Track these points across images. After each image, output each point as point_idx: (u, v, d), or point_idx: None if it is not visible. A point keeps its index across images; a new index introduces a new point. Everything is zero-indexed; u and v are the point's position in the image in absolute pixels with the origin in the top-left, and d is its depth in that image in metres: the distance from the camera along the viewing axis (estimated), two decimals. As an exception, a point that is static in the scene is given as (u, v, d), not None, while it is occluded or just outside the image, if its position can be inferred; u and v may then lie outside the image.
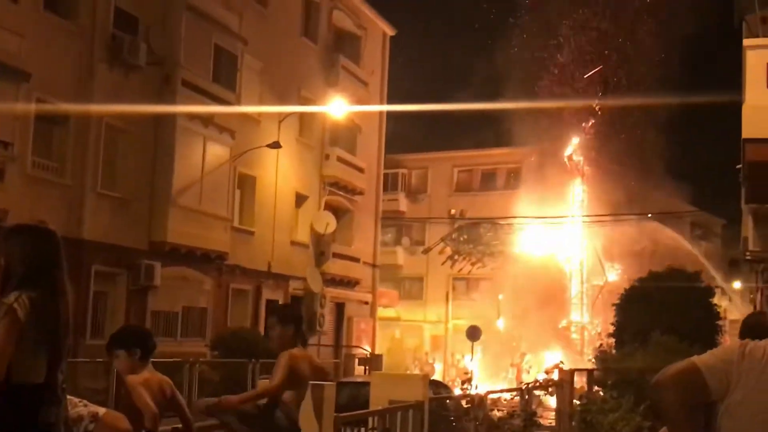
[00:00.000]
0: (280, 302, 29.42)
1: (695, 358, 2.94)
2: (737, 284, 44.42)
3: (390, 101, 38.24)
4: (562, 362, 17.12)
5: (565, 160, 41.27)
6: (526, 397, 14.47)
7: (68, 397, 4.22)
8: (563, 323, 40.45)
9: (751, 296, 36.40)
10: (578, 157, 41.43)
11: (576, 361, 29.85)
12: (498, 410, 14.40)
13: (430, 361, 41.26)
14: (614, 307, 21.06)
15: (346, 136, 34.13)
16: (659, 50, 38.80)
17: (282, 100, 28.64)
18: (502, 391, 17.41)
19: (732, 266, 43.55)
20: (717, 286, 20.02)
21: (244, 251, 27.01)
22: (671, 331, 16.71)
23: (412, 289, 47.64)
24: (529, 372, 34.15)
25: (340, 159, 32.95)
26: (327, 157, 32.49)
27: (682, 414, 2.87)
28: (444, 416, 13.30)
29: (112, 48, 21.73)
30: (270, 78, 28.70)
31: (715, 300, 20.52)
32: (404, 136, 43.51)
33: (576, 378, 15.73)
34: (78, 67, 21.00)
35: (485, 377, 33.76)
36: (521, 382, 23.36)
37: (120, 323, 21.14)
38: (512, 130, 40.18)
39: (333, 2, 33.53)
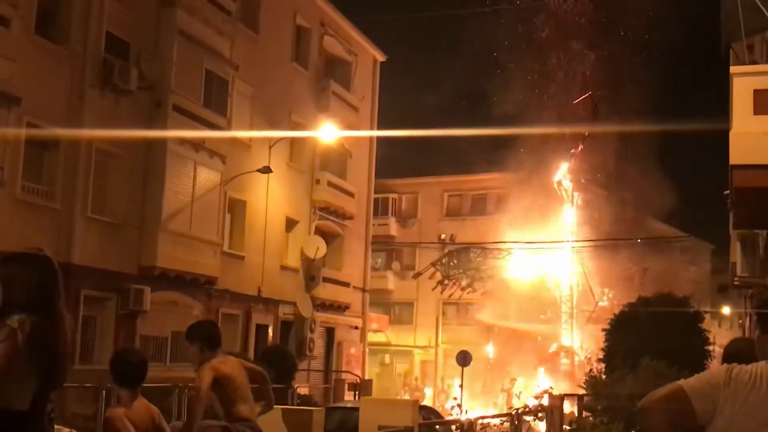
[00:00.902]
0: (270, 327, 29.40)
1: (682, 382, 2.97)
2: (726, 309, 44.56)
3: (380, 126, 38.41)
4: (551, 387, 17.15)
5: (555, 185, 41.43)
6: (516, 422, 14.46)
7: (58, 427, 4.21)
8: (553, 348, 40.44)
9: (740, 321, 36.51)
10: (567, 183, 41.61)
11: (566, 386, 29.82)
12: (488, 436, 14.38)
13: (420, 386, 41.13)
14: (604, 332, 21.08)
15: (336, 160, 34.20)
16: (649, 77, 39.13)
17: (273, 125, 28.73)
18: (492, 416, 17.39)
19: (721, 292, 43.70)
20: (706, 312, 20.05)
21: (234, 276, 26.97)
22: (661, 356, 16.73)
23: (402, 313, 47.57)
24: (519, 397, 34.08)
25: (330, 184, 33.00)
26: (317, 181, 32.53)
27: (668, 437, 2.89)
28: (434, 442, 13.28)
29: (103, 73, 21.75)
30: (261, 103, 28.79)
31: (704, 325, 20.58)
32: (395, 161, 43.74)
33: (566, 403, 15.73)
34: (69, 91, 21.01)
35: (475, 403, 33.68)
36: (511, 408, 23.32)
37: (109, 348, 21.08)
38: (502, 156, 40.42)
39: (324, 28, 33.71)
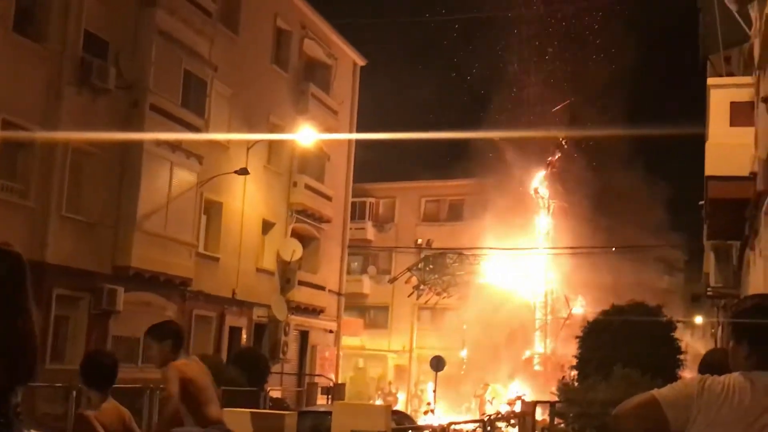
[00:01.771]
0: (244, 330, 29.28)
1: (655, 391, 2.98)
2: (699, 319, 44.88)
3: (359, 130, 38.38)
4: (524, 394, 17.20)
5: (531, 192, 41.60)
6: (488, 428, 14.49)
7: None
8: (527, 354, 40.57)
9: (712, 331, 36.79)
10: (544, 190, 41.79)
11: (539, 392, 29.90)
12: (460, 441, 14.40)
13: (394, 390, 41.12)
14: (577, 340, 21.15)
15: (314, 164, 34.15)
16: (628, 87, 39.46)
17: (251, 127, 28.63)
18: (464, 422, 17.41)
19: (694, 301, 44.01)
20: (679, 321, 20.17)
21: (209, 277, 26.84)
22: (633, 364, 16.80)
23: (377, 318, 47.55)
24: (492, 403, 34.16)
25: (308, 187, 32.93)
26: (295, 184, 32.46)
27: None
28: (406, 447, 13.27)
29: (81, 71, 21.61)
30: (239, 104, 28.70)
31: (677, 334, 20.69)
32: (373, 165, 43.71)
33: (538, 410, 15.78)
34: (46, 89, 20.86)
35: (448, 408, 33.71)
36: (484, 414, 23.38)
37: (81, 347, 20.92)
38: (480, 162, 40.51)
39: (304, 31, 33.67)
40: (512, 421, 15.69)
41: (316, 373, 33.59)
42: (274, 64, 31.68)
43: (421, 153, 50.46)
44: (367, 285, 47.34)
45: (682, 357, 19.51)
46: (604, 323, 20.28)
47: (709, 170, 15.34)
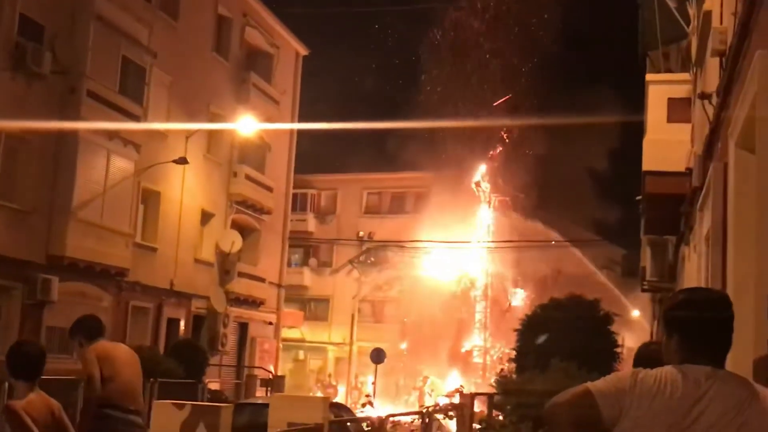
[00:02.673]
0: (182, 321, 28.94)
1: (589, 384, 2.97)
2: (636, 313, 45.59)
3: (301, 121, 38.15)
4: (462, 386, 17.24)
5: (473, 186, 41.83)
6: (427, 420, 14.50)
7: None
8: (466, 347, 40.82)
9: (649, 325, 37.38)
10: (485, 184, 42.05)
11: (478, 385, 30.10)
12: (398, 434, 14.38)
13: (334, 383, 41.07)
14: (516, 332, 21.28)
15: (255, 154, 33.84)
16: (569, 80, 39.88)
17: (191, 116, 28.26)
18: (402, 414, 17.42)
19: (630, 294, 44.59)
20: (616, 314, 20.39)
21: (146, 268, 26.46)
22: (571, 357, 16.93)
23: (317, 310, 47.47)
24: (431, 395, 34.29)
25: (248, 177, 32.65)
26: (235, 174, 32.15)
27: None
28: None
29: (15, 56, 21.10)
30: (179, 92, 28.30)
31: (614, 328, 20.93)
32: (315, 156, 43.52)
33: (477, 402, 15.83)
34: (-22, 73, 20.33)
35: (387, 400, 33.76)
36: (423, 406, 23.43)
37: (14, 338, 20.42)
38: (422, 155, 40.59)
39: (246, 19, 33.33)
40: (450, 413, 15.71)
41: (256, 365, 33.37)
42: (214, 52, 31.32)
43: (364, 145, 50.44)
44: (308, 277, 47.22)
45: (618, 350, 19.75)
46: (543, 317, 20.42)
47: (646, 165, 15.53)
